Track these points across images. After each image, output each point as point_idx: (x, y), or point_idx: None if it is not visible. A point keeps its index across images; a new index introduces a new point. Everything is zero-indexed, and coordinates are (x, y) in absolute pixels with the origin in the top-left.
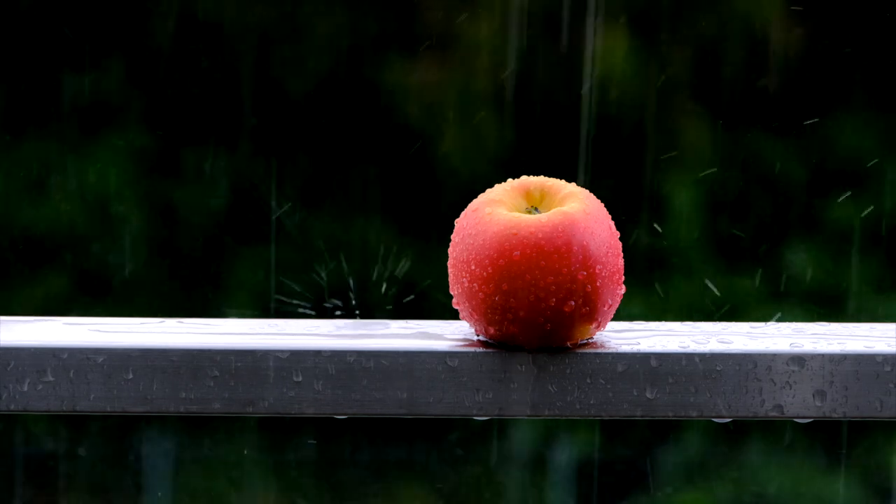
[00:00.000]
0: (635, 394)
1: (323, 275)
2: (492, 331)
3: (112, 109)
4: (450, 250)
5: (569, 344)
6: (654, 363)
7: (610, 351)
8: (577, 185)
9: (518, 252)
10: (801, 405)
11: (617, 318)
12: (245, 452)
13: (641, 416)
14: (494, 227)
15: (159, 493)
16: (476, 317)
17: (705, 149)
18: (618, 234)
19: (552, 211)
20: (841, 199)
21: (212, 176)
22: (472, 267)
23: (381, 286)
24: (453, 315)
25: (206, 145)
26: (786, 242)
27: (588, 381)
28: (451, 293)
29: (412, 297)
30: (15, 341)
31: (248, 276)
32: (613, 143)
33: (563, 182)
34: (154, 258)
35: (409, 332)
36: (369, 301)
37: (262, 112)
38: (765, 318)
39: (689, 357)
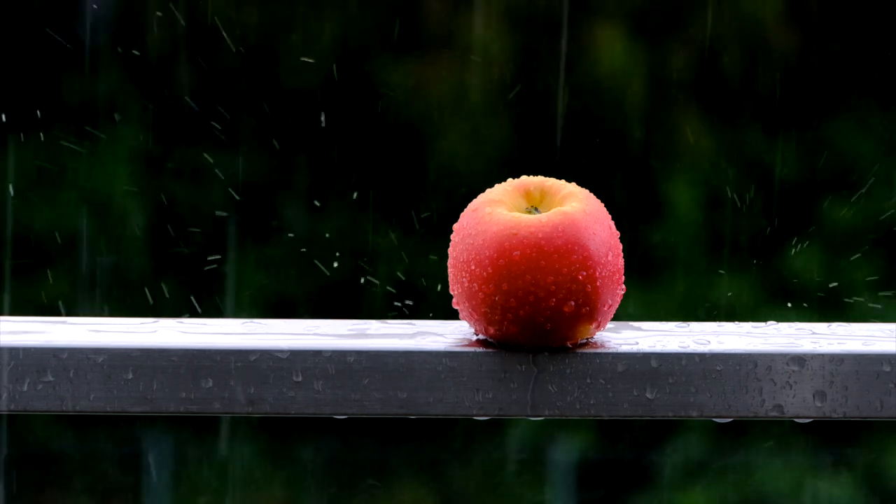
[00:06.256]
0: (635, 394)
1: (322, 274)
2: (492, 331)
3: (112, 109)
4: (450, 250)
5: (569, 344)
6: (654, 363)
7: (610, 351)
8: (576, 185)
9: (518, 252)
10: (801, 405)
11: (617, 318)
12: (244, 452)
13: (641, 416)
14: (494, 227)
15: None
16: (476, 317)
17: (705, 149)
18: (618, 234)
19: (552, 211)
20: (840, 199)
21: (212, 176)
22: (472, 267)
23: (381, 285)
24: (453, 315)
25: (206, 145)
26: (785, 242)
27: (588, 381)
28: (451, 293)
29: (412, 296)
30: (15, 341)
31: (248, 275)
32: (613, 142)
33: (563, 182)
34: (154, 258)
35: (409, 332)
36: (368, 300)
37: (263, 112)
38: (765, 318)
39: (689, 357)
